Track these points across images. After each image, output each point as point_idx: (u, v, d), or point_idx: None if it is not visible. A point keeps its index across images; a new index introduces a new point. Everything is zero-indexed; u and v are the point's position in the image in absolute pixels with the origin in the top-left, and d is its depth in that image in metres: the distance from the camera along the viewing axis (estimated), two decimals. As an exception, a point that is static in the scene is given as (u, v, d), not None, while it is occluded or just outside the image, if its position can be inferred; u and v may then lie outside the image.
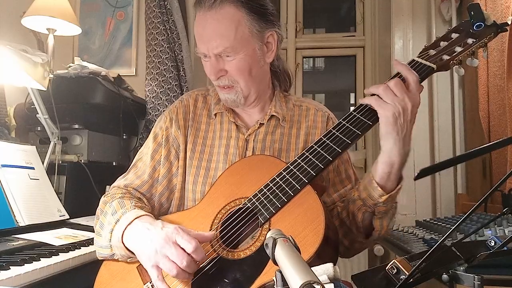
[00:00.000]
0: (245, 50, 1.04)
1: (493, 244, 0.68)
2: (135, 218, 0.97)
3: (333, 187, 1.14)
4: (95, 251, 1.05)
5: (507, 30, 0.99)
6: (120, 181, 1.14)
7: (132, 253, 0.96)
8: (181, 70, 2.52)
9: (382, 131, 0.92)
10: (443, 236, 0.60)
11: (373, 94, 0.94)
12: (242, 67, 1.05)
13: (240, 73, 1.06)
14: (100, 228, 1.03)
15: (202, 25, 1.04)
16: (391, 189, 0.94)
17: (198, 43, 1.07)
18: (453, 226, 0.63)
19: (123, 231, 0.97)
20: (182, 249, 0.88)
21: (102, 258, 1.05)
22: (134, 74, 2.65)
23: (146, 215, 1.00)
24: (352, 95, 3.15)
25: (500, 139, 0.63)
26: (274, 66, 1.19)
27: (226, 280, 0.89)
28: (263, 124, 1.14)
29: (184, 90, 2.50)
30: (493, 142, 0.63)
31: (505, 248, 0.67)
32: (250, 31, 1.05)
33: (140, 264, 0.99)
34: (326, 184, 1.14)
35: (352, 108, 0.98)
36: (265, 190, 0.95)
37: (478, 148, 0.63)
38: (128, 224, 0.97)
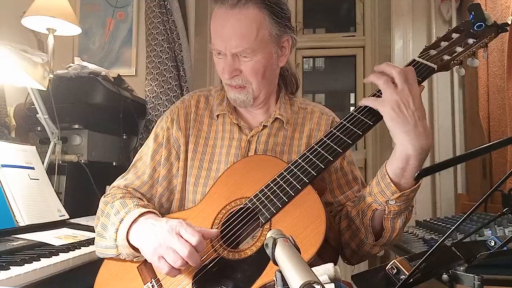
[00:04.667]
0: (263, 52, 1.04)
1: (493, 244, 0.68)
2: (139, 216, 0.97)
3: (339, 188, 1.13)
4: (95, 251, 1.05)
5: (507, 31, 0.99)
6: (119, 181, 1.14)
7: (137, 251, 0.96)
8: (181, 70, 2.52)
9: (389, 127, 0.90)
10: (443, 236, 0.60)
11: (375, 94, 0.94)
12: (258, 69, 1.05)
13: (254, 74, 1.06)
14: (103, 229, 1.03)
15: (222, 22, 1.03)
16: (405, 188, 0.91)
17: (215, 39, 1.05)
18: (453, 226, 0.63)
19: (128, 229, 0.96)
20: (185, 240, 0.88)
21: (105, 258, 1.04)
22: (134, 74, 2.66)
23: (150, 212, 1.00)
24: (352, 95, 3.15)
25: (500, 139, 0.63)
26: (282, 69, 1.19)
27: (227, 280, 0.89)
28: (267, 126, 1.14)
29: (184, 90, 2.50)
30: (493, 142, 0.63)
31: (505, 248, 0.67)
32: (270, 34, 1.04)
33: (141, 264, 0.99)
34: (329, 185, 1.12)
35: (352, 108, 0.97)
36: (266, 190, 0.95)
37: (478, 148, 0.63)
38: (133, 222, 0.96)
